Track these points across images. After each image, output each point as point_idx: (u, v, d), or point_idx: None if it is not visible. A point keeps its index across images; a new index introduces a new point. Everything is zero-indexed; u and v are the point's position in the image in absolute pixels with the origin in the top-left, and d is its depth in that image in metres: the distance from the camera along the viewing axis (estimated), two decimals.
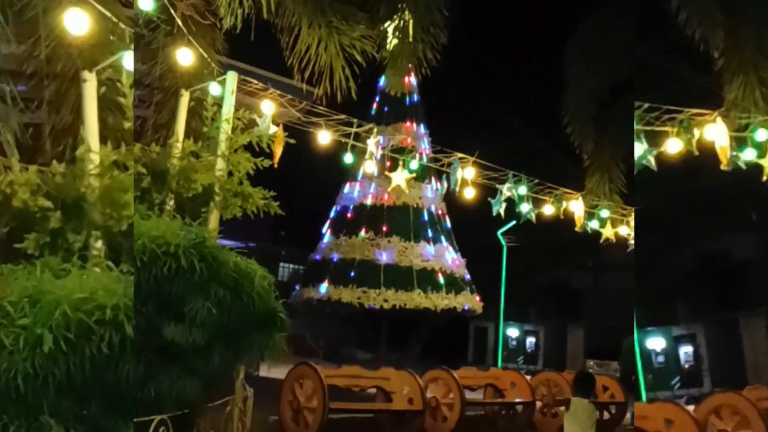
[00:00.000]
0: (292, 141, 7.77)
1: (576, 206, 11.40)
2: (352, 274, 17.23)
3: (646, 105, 7.49)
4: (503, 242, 20.02)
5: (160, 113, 7.91)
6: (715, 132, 7.52)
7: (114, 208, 5.29)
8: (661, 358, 17.97)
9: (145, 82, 7.92)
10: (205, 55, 7.39)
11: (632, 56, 9.56)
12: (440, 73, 8.73)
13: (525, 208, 11.05)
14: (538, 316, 26.35)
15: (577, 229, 11.60)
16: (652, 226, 14.70)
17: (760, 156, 7.85)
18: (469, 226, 18.51)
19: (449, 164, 10.32)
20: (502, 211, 10.89)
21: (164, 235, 4.84)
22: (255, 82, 8.06)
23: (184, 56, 7.08)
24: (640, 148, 7.51)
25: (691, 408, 7.26)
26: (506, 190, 10.69)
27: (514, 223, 17.65)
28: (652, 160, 7.55)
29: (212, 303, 4.75)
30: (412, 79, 18.29)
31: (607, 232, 11.98)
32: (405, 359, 17.53)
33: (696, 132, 7.55)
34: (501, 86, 24.57)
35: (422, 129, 18.99)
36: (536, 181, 11.17)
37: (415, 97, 19.38)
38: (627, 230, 12.39)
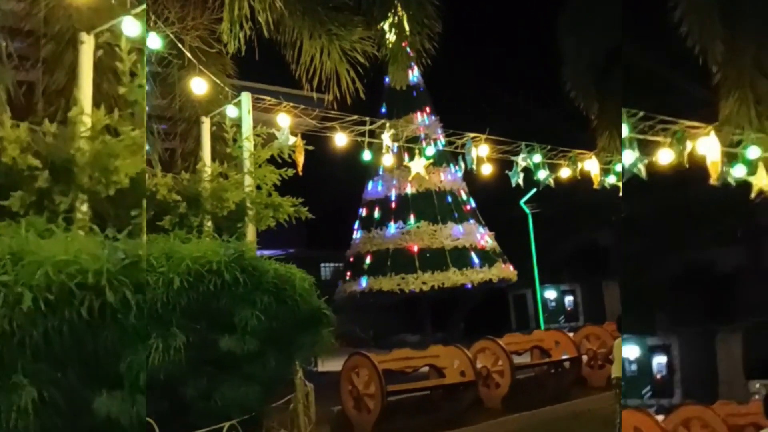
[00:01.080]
0: (311, 148, 7.77)
1: (591, 165, 11.21)
2: (389, 263, 17.25)
3: (641, 114, 7.10)
4: (527, 210, 19.86)
5: (185, 142, 7.99)
6: (708, 146, 7.18)
7: (103, 173, 4.93)
8: (633, 367, 16.72)
9: (168, 115, 8.00)
10: (218, 81, 7.44)
11: (620, 21, 9.24)
12: (440, 61, 8.66)
13: (542, 174, 10.92)
14: (573, 276, 25.99)
15: (595, 186, 11.41)
16: (637, 234, 14.16)
17: (750, 173, 7.51)
18: (493, 200, 18.36)
19: (463, 146, 10.24)
20: (520, 181, 10.78)
21: (205, 255, 4.89)
22: (268, 98, 8.08)
23: (199, 85, 7.14)
24: (631, 156, 7.12)
25: (660, 418, 6.95)
26: (521, 160, 10.57)
27: (534, 191, 17.47)
28: (642, 168, 7.16)
29: (259, 311, 4.79)
30: (415, 72, 18.20)
31: None
32: (451, 336, 17.50)
33: (689, 144, 7.20)
34: (500, 66, 24.27)
35: (432, 117, 18.88)
36: (549, 147, 11.01)
37: (421, 88, 19.26)
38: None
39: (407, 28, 8.03)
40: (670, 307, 16.66)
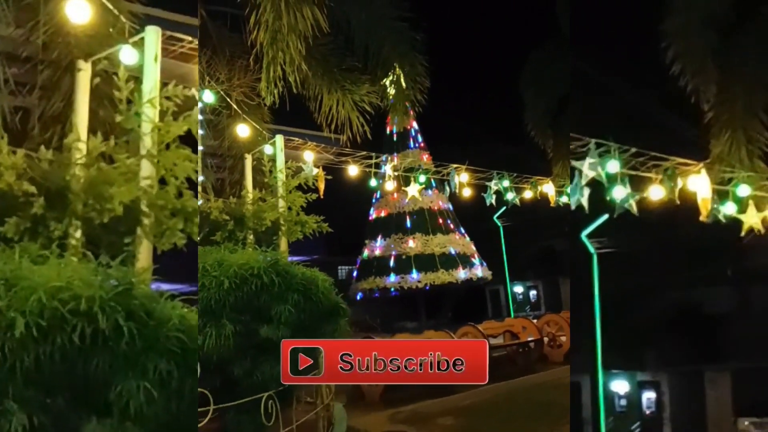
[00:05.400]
0: (329, 177, 7.84)
1: (548, 188, 11.29)
2: (391, 265, 17.28)
3: (632, 150, 5.73)
4: (499, 224, 19.90)
5: (232, 174, 8.04)
6: (699, 183, 5.85)
7: (97, 199, 4.02)
8: (623, 402, 13.75)
9: (219, 153, 8.08)
10: (257, 127, 7.52)
11: (570, 76, 8.88)
12: (430, 108, 8.72)
13: (510, 196, 10.96)
14: (535, 274, 25.96)
15: (551, 204, 11.47)
16: (627, 270, 11.77)
17: (740, 211, 6.19)
18: (472, 216, 18.39)
19: (448, 173, 10.31)
20: (493, 201, 10.82)
21: (248, 262, 4.92)
22: (296, 139, 8.17)
23: (243, 130, 7.24)
24: (622, 191, 5.64)
25: None
26: (493, 185, 10.63)
27: (504, 208, 17.47)
28: (633, 204, 5.64)
29: (290, 306, 4.81)
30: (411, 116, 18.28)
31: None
32: (441, 323, 17.43)
33: (679, 181, 5.85)
34: (477, 111, 24.44)
35: (423, 151, 18.95)
36: (515, 174, 11.11)
37: (415, 130, 19.33)
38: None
39: (404, 84, 8.10)
40: (658, 346, 13.67)
